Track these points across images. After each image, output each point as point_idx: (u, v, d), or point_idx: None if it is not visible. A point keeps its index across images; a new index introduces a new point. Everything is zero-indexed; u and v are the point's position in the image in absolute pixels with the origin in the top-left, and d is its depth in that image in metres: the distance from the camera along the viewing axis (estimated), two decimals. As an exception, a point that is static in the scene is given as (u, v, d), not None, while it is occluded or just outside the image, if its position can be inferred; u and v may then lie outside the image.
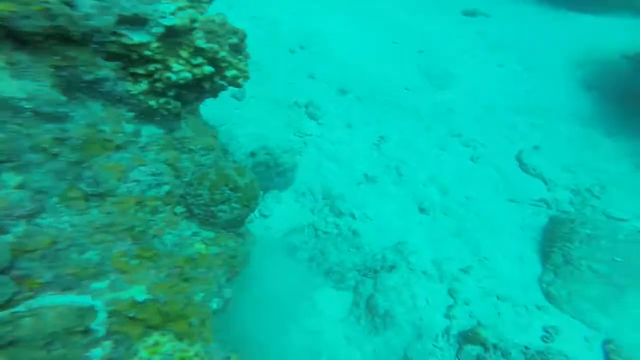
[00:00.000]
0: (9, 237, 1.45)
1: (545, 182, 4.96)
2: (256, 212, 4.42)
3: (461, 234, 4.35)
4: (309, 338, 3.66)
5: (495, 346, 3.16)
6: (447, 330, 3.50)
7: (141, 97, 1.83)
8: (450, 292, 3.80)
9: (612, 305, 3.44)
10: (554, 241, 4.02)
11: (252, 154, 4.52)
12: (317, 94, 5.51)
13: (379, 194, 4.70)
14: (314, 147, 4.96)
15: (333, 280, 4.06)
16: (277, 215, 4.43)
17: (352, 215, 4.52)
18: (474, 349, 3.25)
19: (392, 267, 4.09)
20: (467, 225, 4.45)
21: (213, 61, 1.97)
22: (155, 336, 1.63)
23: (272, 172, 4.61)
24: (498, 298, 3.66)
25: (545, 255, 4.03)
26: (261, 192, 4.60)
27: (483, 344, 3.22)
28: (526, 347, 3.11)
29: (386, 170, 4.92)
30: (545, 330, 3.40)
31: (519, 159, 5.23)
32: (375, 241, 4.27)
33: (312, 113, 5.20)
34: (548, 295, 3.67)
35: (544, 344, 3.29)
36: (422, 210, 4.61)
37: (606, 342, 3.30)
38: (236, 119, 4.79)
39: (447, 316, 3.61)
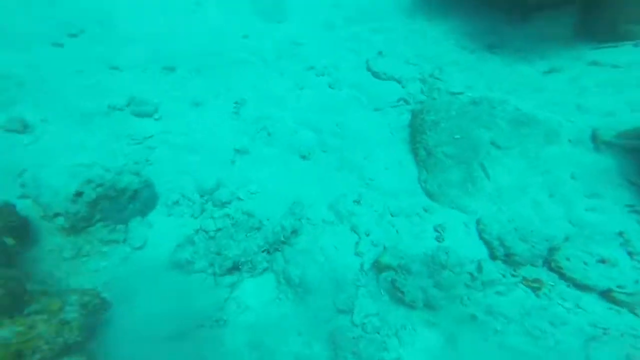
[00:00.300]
0: None
1: (399, 82, 4.32)
2: (127, 248, 3.08)
3: (344, 165, 3.59)
4: (246, 334, 2.84)
5: (399, 265, 2.69)
6: (362, 267, 2.95)
7: None
8: (353, 229, 3.16)
9: (468, 184, 3.08)
10: (415, 136, 3.49)
11: (78, 194, 2.88)
12: (136, 85, 3.71)
13: (256, 163, 3.58)
14: (163, 147, 3.44)
15: (245, 271, 3.14)
16: (153, 241, 3.12)
17: (238, 198, 3.43)
18: (387, 275, 2.75)
19: (294, 232, 3.24)
20: (346, 153, 3.68)
21: None
22: None
23: (120, 202, 3.08)
24: (392, 215, 3.13)
25: (414, 153, 3.51)
26: (121, 226, 3.18)
27: (391, 268, 2.74)
28: (424, 254, 2.71)
29: (255, 136, 3.73)
30: (436, 230, 3.00)
31: (369, 68, 4.41)
32: (271, 213, 3.30)
33: (140, 110, 3.51)
34: (428, 194, 3.21)
35: (438, 243, 2.92)
36: (303, 157, 3.69)
37: (477, 222, 3.01)
38: (35, 157, 2.97)
39: (357, 254, 3.02)
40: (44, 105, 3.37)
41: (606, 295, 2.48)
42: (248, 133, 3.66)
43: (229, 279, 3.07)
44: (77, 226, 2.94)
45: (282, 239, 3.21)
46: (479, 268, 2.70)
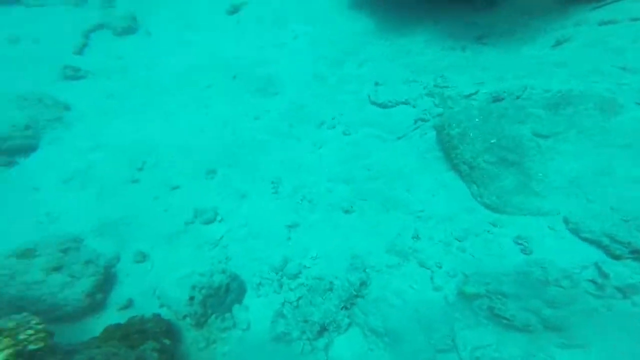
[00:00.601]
0: None
1: (407, 103, 4.09)
2: (238, 331, 3.31)
3: (388, 205, 3.49)
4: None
5: (489, 291, 2.37)
6: (447, 301, 2.71)
7: None
8: (422, 265, 2.99)
9: (531, 184, 2.62)
10: (449, 153, 3.23)
11: (191, 298, 3.32)
12: (194, 197, 4.15)
13: (308, 231, 3.66)
14: (233, 243, 3.74)
15: (333, 330, 3.13)
16: (254, 320, 3.31)
17: (304, 267, 3.51)
18: (481, 304, 2.46)
19: (362, 284, 3.19)
20: (387, 193, 3.59)
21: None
22: None
23: (220, 297, 3.44)
24: (459, 240, 2.87)
25: (456, 170, 3.23)
26: (228, 314, 3.53)
27: (480, 296, 2.42)
28: (515, 272, 2.33)
29: (297, 207, 3.85)
30: (517, 243, 2.57)
31: (373, 102, 4.30)
32: (337, 271, 3.32)
33: (206, 218, 3.93)
34: (489, 208, 2.82)
35: (526, 256, 2.47)
36: (347, 212, 3.65)
37: (565, 221, 2.45)
38: (157, 277, 3.52)
39: (435, 289, 2.80)
40: (145, 236, 4.01)
41: None
42: (291, 207, 3.84)
43: (321, 341, 3.13)
44: (200, 321, 3.40)
45: (354, 293, 3.17)
46: (602, 273, 2.15)
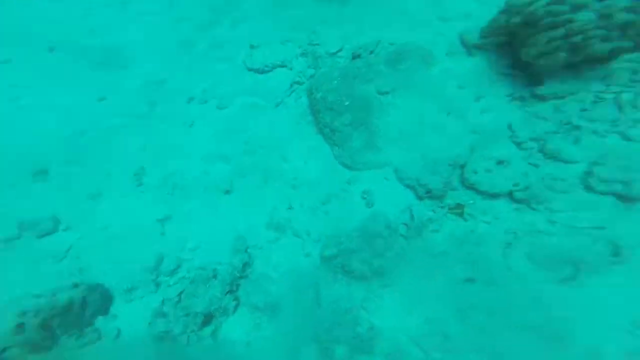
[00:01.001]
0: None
1: (284, 66, 3.91)
2: (107, 341, 2.91)
3: (267, 177, 3.41)
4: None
5: (341, 250, 2.61)
6: (314, 265, 2.87)
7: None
8: (295, 235, 3.07)
9: (374, 140, 2.88)
10: (316, 117, 3.27)
11: (19, 326, 2.73)
12: (14, 209, 3.31)
13: (183, 221, 3.33)
14: (90, 250, 3.18)
15: (220, 316, 3.06)
16: (128, 326, 2.99)
17: (183, 260, 3.25)
18: (337, 263, 2.70)
19: (245, 265, 3.16)
20: (265, 164, 3.48)
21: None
22: None
23: (73, 314, 2.93)
24: (323, 204, 3.02)
25: (321, 133, 3.30)
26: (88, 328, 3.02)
27: (336, 256, 2.65)
28: (360, 228, 2.59)
29: (168, 197, 3.41)
30: (363, 197, 2.87)
31: (249, 68, 3.99)
32: (220, 257, 3.17)
33: (40, 230, 3.18)
34: (346, 167, 3.04)
35: (369, 209, 2.77)
36: (227, 192, 3.45)
37: (395, 171, 2.82)
38: None
39: (306, 255, 2.95)
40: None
41: (510, 196, 2.38)
42: (162, 198, 3.42)
43: (207, 329, 3.05)
44: (42, 345, 2.90)
45: (238, 275, 3.13)
46: (411, 215, 2.63)
